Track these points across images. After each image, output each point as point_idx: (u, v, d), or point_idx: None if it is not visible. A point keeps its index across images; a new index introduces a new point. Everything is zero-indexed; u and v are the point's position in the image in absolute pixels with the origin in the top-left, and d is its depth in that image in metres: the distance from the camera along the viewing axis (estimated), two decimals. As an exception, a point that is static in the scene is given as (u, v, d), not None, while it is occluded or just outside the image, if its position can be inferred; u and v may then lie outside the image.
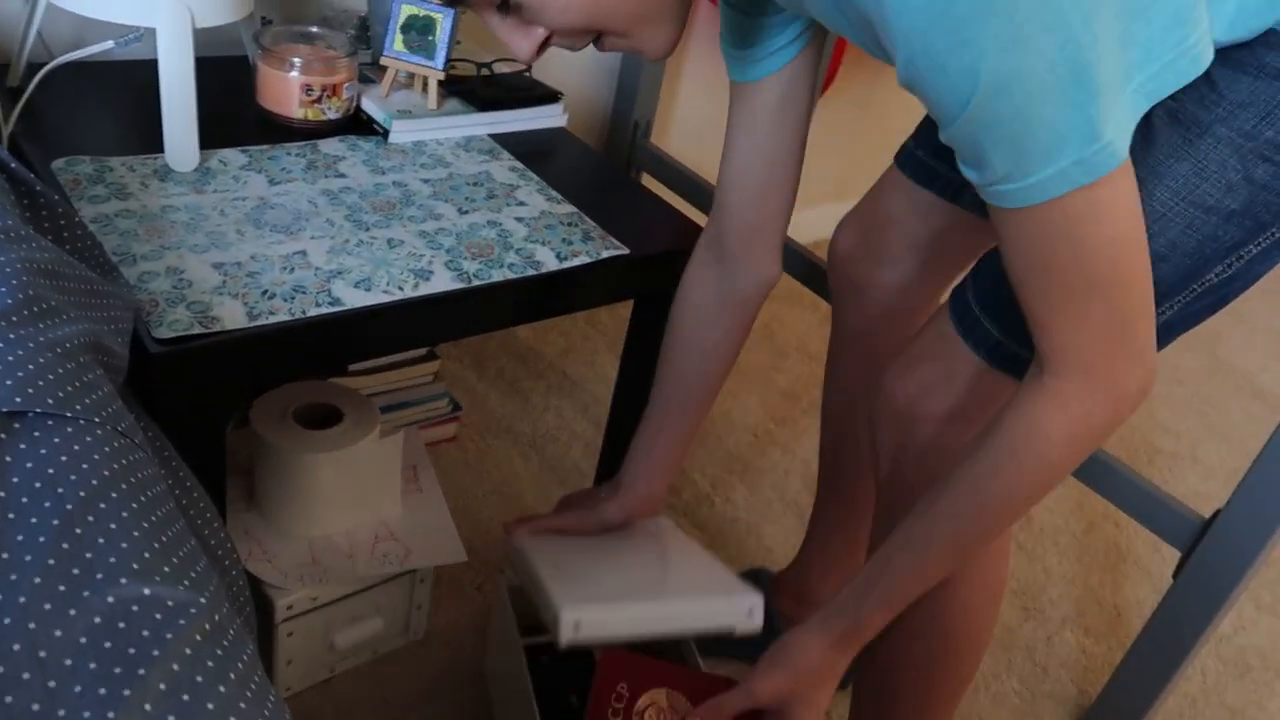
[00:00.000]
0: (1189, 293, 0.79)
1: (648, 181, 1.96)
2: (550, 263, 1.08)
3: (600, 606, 0.91)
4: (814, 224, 2.30)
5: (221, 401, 0.93)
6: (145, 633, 0.42)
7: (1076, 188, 0.62)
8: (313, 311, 0.92)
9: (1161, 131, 0.76)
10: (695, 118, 2.02)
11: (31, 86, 1.10)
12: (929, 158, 1.04)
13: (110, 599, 0.43)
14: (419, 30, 1.29)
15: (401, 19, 1.28)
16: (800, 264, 1.61)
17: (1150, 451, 1.95)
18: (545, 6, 0.66)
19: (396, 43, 1.28)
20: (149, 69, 1.07)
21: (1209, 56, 0.64)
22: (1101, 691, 1.29)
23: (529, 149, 1.32)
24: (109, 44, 1.06)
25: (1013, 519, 0.77)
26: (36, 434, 0.51)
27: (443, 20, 1.29)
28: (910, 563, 0.80)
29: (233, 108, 1.23)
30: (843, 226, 1.13)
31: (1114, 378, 0.69)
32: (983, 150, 0.62)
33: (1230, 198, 0.75)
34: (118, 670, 0.41)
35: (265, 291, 0.93)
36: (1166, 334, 0.82)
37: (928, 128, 1.06)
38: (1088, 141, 0.60)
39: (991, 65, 0.57)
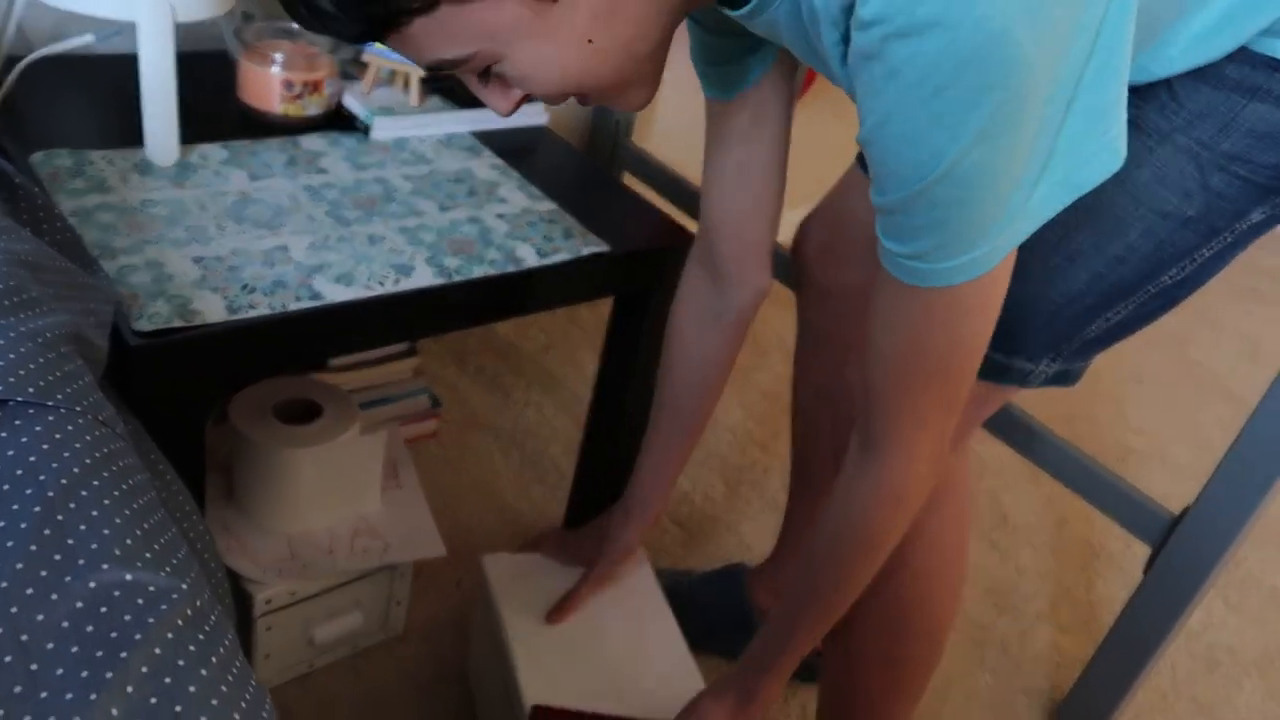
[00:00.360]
0: (1144, 293, 0.82)
1: (629, 181, 1.97)
2: (531, 259, 1.09)
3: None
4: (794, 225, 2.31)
5: (201, 395, 0.93)
6: (127, 617, 0.43)
7: (973, 278, 0.67)
8: (293, 306, 0.92)
9: None
10: (677, 117, 2.03)
11: (11, 79, 1.10)
12: None
13: (92, 584, 0.44)
14: (401, 27, 1.29)
15: (383, 16, 1.28)
16: (782, 264, 1.62)
17: (1122, 451, 1.98)
18: (528, 77, 0.66)
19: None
20: (130, 63, 1.07)
21: (1124, 151, 0.66)
22: (1073, 686, 1.31)
23: (510, 147, 1.33)
24: (89, 37, 1.06)
25: (859, 582, 0.86)
26: (17, 423, 0.51)
27: (424, 17, 1.29)
28: (788, 631, 0.90)
29: (213, 103, 1.23)
30: (805, 229, 1.14)
31: (928, 460, 0.78)
32: (916, 226, 0.65)
33: (1187, 204, 0.77)
34: (100, 654, 0.41)
35: (246, 285, 0.93)
36: (1120, 332, 0.85)
37: None
38: (1000, 232, 0.64)
39: (962, 153, 0.59)
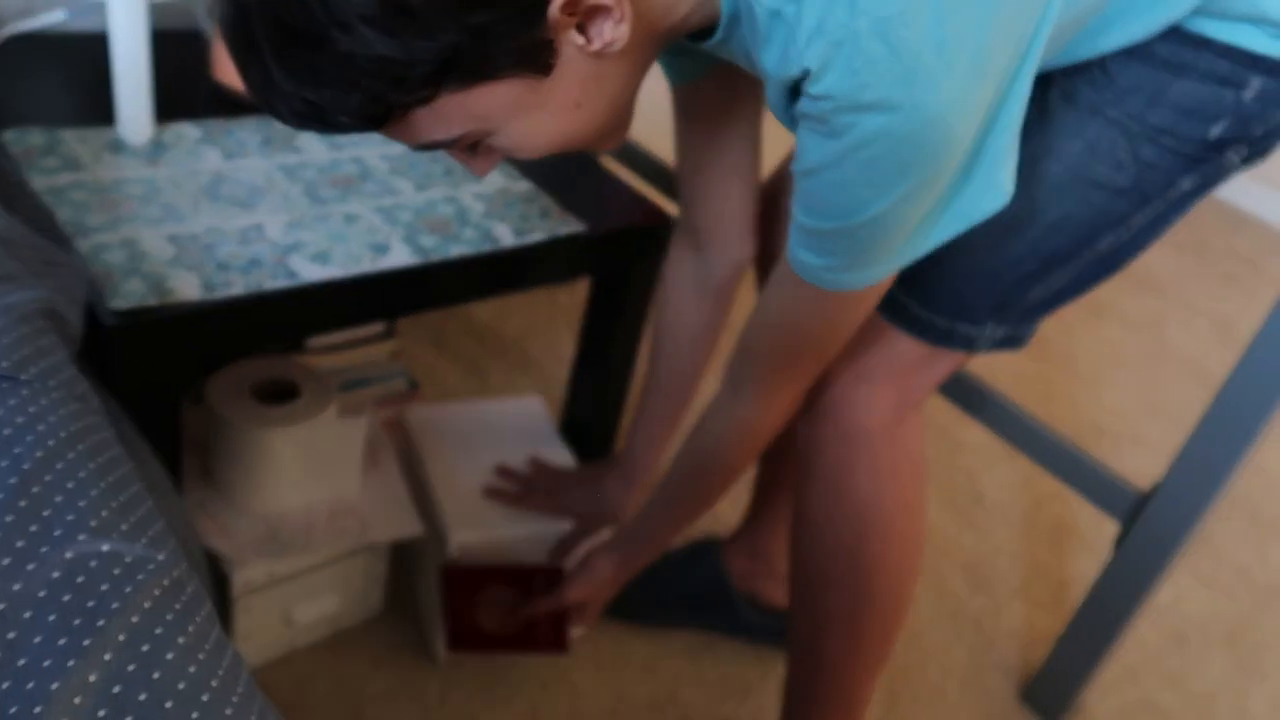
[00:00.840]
0: (1081, 260, 0.85)
1: (607, 161, 1.97)
2: (507, 239, 1.09)
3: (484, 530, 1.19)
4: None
5: (177, 374, 0.93)
6: (104, 586, 0.43)
7: (863, 287, 0.76)
8: (269, 285, 0.92)
9: (1056, 111, 0.81)
10: (655, 99, 2.03)
11: (-20, 57, 1.09)
12: None
13: (69, 554, 0.44)
14: (376, 6, 1.29)
15: (359, -5, 1.28)
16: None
17: (1096, 432, 2.00)
18: (518, 147, 0.66)
19: (354, 19, 1.28)
20: (102, 41, 1.06)
21: (1010, 190, 0.71)
22: (1044, 661, 1.33)
23: (487, 127, 1.33)
24: (60, 14, 1.05)
25: (722, 486, 0.99)
26: (-8, 396, 0.51)
27: (400, -3, 1.29)
28: (667, 512, 1.05)
29: (187, 82, 1.22)
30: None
31: (778, 404, 0.89)
32: (829, 248, 0.72)
33: (1119, 175, 0.80)
34: (77, 622, 0.41)
35: (221, 264, 0.93)
36: (1063, 297, 0.89)
37: None
38: (900, 257, 0.73)
39: (885, 208, 0.67)
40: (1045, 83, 0.81)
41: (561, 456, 1.30)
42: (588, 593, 1.11)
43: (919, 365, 0.93)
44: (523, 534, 1.20)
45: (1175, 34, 0.76)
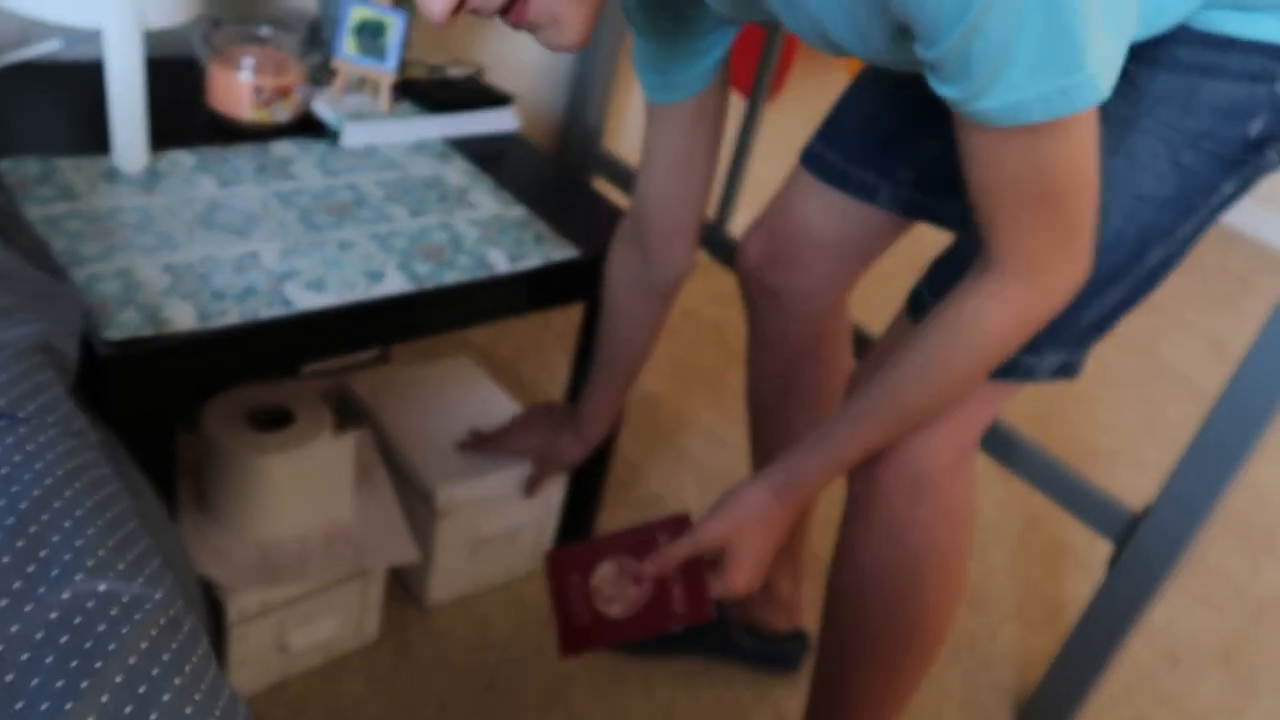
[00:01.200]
0: (1133, 276, 0.85)
1: (600, 185, 1.98)
2: (502, 265, 1.09)
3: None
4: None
5: (172, 403, 0.93)
6: (101, 627, 0.43)
7: (1057, 118, 0.63)
8: (265, 313, 0.92)
9: None
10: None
11: (-24, 86, 1.09)
12: (840, 159, 1.06)
13: (66, 595, 0.44)
14: (371, 33, 1.29)
15: (353, 22, 1.29)
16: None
17: (1091, 451, 2.01)
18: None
19: (348, 45, 1.29)
20: (97, 70, 1.06)
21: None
22: (1039, 683, 1.33)
23: (482, 152, 1.33)
24: (55, 43, 1.06)
25: (949, 398, 0.83)
26: (-11, 434, 0.51)
27: (395, 23, 1.29)
28: (851, 433, 0.86)
29: (182, 109, 1.23)
30: (750, 235, 1.15)
31: (1054, 278, 0.74)
32: (971, 64, 0.61)
33: (1163, 185, 0.80)
34: (74, 664, 0.41)
35: (216, 293, 0.93)
36: (1114, 316, 0.87)
37: (837, 127, 1.07)
38: (1072, 70, 0.61)
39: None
40: None
41: (505, 407, 1.38)
42: (729, 530, 0.90)
43: (978, 403, 0.90)
44: (507, 479, 1.26)
45: (1196, 36, 0.76)
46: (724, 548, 0.91)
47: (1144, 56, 0.78)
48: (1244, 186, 0.82)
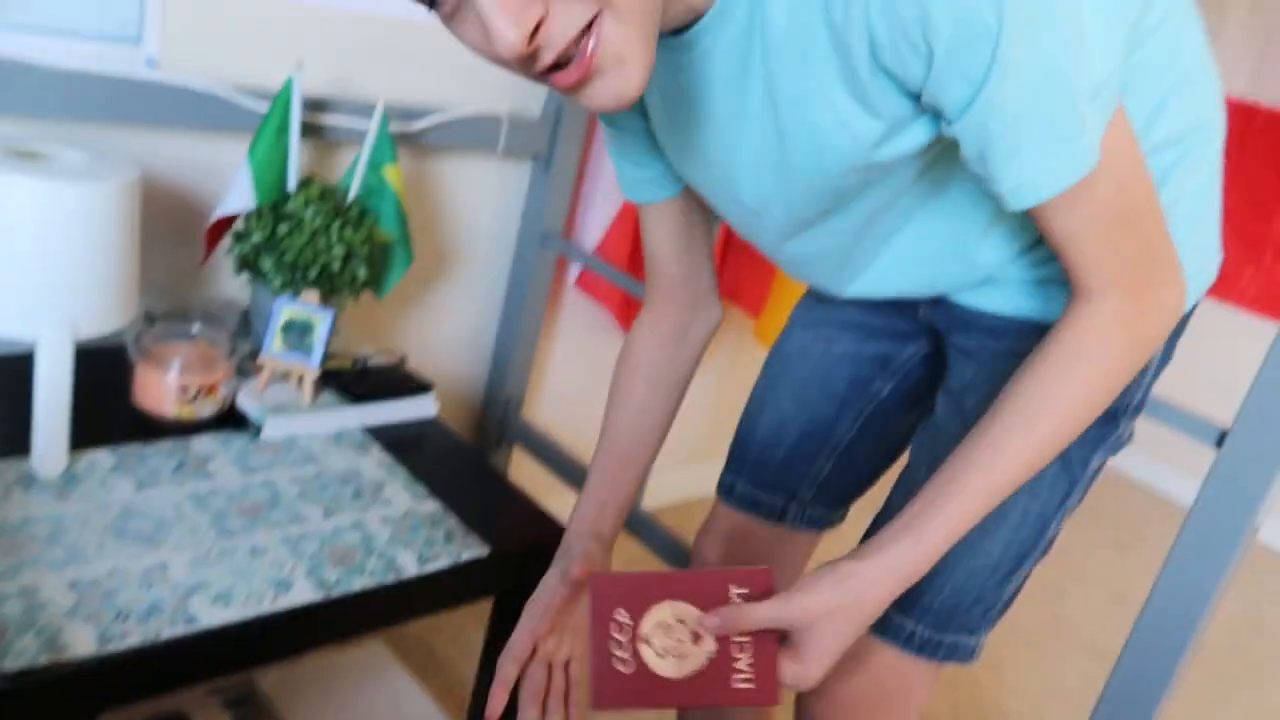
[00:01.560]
0: (1038, 549, 0.95)
1: (518, 455, 2.03)
2: (410, 567, 1.12)
3: None
4: (684, 484, 2.40)
5: (63, 725, 0.92)
6: None
7: (1090, 169, 0.68)
8: (166, 633, 0.93)
9: None
10: (566, 389, 2.13)
11: (-99, 390, 1.11)
12: (750, 488, 1.17)
13: None
14: (298, 331, 1.37)
15: (282, 321, 1.36)
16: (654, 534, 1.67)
17: (1001, 714, 2.02)
18: None
19: (275, 343, 1.35)
20: (23, 361, 1.09)
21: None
22: None
23: (400, 440, 1.38)
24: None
25: (1075, 430, 0.78)
26: None
27: (321, 321, 1.37)
28: (978, 479, 0.77)
29: (106, 403, 1.27)
30: (703, 539, 1.23)
31: (1159, 293, 0.75)
32: (990, 141, 0.67)
33: (1052, 469, 0.91)
34: None
35: (120, 613, 0.94)
36: (1019, 590, 0.98)
37: (740, 457, 1.18)
38: (1076, 135, 0.67)
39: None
40: None
41: (417, 700, 1.40)
42: (824, 610, 0.76)
43: (910, 686, 0.97)
44: None
45: (1032, 328, 0.87)
46: (805, 628, 0.77)
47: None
48: (1109, 454, 0.93)
